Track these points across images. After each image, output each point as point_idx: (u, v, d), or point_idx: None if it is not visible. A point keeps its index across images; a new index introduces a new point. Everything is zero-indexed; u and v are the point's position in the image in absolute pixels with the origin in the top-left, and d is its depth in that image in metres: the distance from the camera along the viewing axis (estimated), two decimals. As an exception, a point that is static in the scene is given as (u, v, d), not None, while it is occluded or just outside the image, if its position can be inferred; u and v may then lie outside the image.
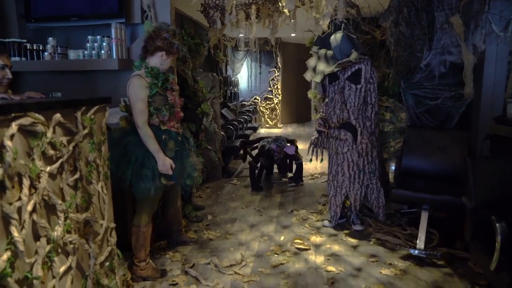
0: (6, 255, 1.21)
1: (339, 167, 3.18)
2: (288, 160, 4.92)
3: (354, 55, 2.99)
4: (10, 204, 1.25)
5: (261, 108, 10.19)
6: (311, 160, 3.41)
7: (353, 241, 3.08)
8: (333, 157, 3.23)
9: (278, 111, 10.27)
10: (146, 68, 2.39)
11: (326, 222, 3.42)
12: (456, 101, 3.32)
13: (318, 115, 3.38)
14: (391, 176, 3.47)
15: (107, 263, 1.91)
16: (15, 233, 1.24)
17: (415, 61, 3.41)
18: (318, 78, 3.23)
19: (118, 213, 2.20)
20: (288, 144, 4.58)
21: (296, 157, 4.70)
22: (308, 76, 3.40)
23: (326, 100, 3.32)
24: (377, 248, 2.94)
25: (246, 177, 5.18)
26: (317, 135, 3.35)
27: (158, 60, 2.40)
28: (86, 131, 1.68)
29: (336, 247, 2.97)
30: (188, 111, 3.42)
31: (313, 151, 3.39)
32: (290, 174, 5.08)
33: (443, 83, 3.35)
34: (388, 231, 3.20)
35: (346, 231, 3.27)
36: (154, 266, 2.59)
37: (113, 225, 1.97)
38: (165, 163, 2.33)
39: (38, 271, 1.35)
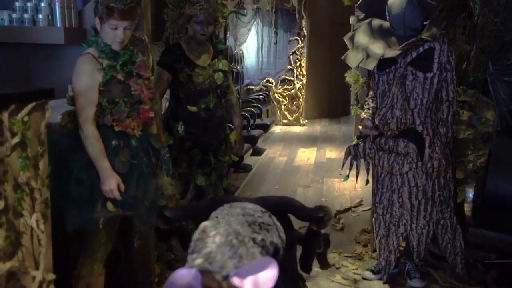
0: None
1: (394, 194, 3.16)
2: None
3: (430, 30, 2.91)
4: None
5: (277, 95, 10.23)
6: (347, 177, 3.39)
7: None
8: (384, 179, 3.21)
9: (301, 100, 10.28)
10: (97, 45, 2.42)
11: (368, 274, 3.41)
12: None
13: (363, 113, 3.33)
14: (467, 208, 3.44)
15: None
16: None
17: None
18: (370, 65, 3.13)
19: (59, 255, 2.22)
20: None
21: None
22: (352, 59, 3.25)
23: (371, 93, 3.29)
24: (446, 318, 2.92)
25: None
26: (356, 142, 3.32)
27: (103, 33, 2.40)
28: (16, 140, 1.70)
29: (382, 313, 2.96)
30: (180, 106, 3.38)
31: (351, 164, 3.37)
32: None
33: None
34: (465, 292, 3.17)
35: (397, 289, 3.26)
36: None
37: (51, 276, 1.98)
38: (108, 181, 2.33)
39: None
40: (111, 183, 2.33)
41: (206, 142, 3.51)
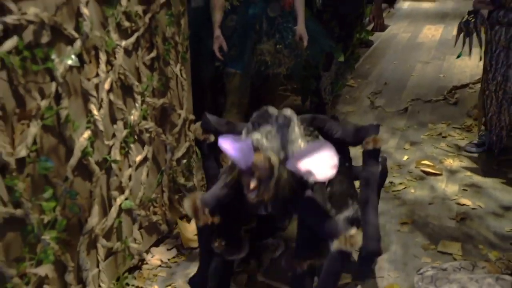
0: (86, 134, 1.70)
1: (510, 69, 3.08)
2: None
3: None
4: (89, 80, 1.70)
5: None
6: (460, 55, 3.35)
7: (509, 172, 3.15)
8: (499, 55, 3.13)
9: (432, -27, 9.68)
10: None
11: (471, 147, 3.49)
12: None
13: None
14: None
15: (184, 161, 2.41)
16: (95, 111, 1.72)
17: None
18: None
19: (197, 105, 2.65)
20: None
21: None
22: None
23: None
24: (546, 187, 2.97)
25: (365, 71, 5.31)
26: (467, 18, 3.21)
27: None
28: (162, -1, 2.04)
29: (478, 177, 3.10)
30: None
31: (464, 40, 3.34)
32: None
33: None
34: None
35: (500, 159, 3.33)
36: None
37: (192, 117, 2.42)
38: (214, 42, 2.73)
39: (116, 154, 1.86)
40: (215, 44, 2.73)
41: (344, 14, 3.60)
